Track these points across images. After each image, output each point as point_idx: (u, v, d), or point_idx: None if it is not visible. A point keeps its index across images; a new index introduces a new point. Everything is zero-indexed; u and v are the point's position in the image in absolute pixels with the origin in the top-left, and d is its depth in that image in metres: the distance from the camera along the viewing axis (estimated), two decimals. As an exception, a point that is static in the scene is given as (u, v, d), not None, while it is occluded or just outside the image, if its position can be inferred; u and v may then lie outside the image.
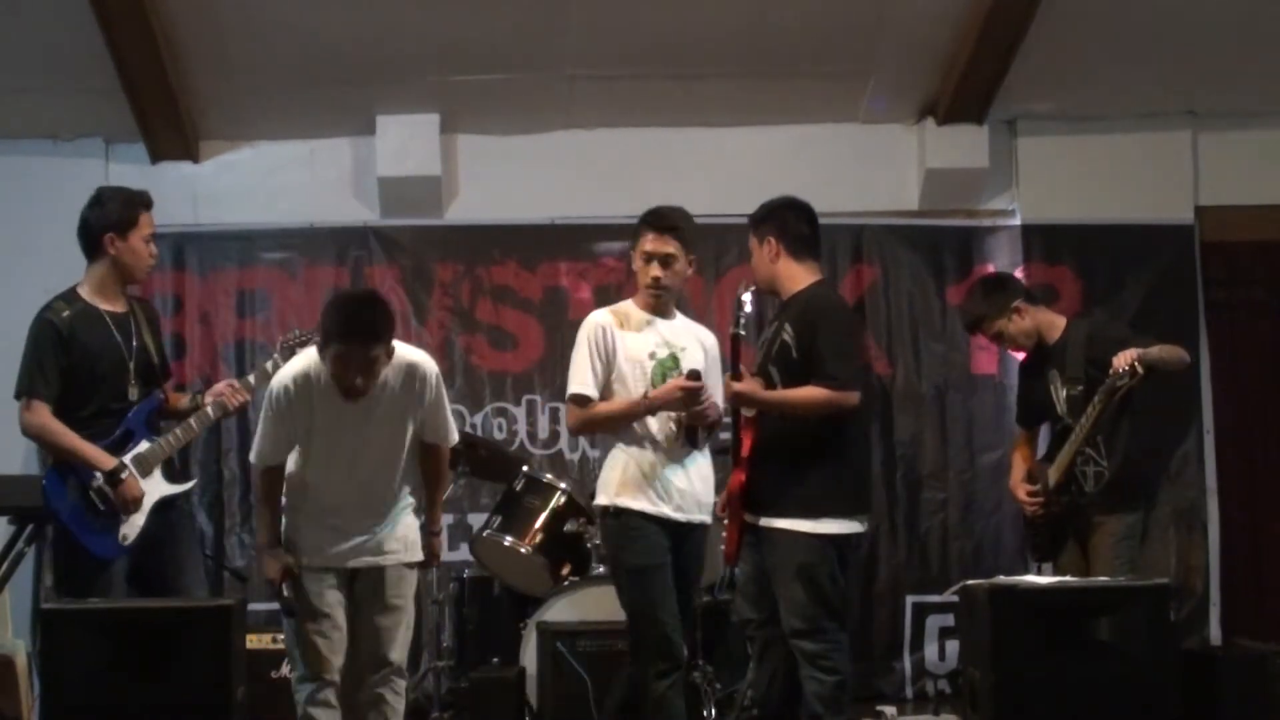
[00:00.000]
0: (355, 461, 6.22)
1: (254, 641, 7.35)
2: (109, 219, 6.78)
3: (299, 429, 6.21)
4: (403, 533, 6.37)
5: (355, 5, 8.78)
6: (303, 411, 6.17)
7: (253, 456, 6.42)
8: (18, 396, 6.74)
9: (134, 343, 6.79)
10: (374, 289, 6.39)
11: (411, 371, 6.25)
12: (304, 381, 6.16)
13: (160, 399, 6.87)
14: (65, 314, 6.69)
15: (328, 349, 6.03)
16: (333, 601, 6.24)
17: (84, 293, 6.79)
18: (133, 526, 6.65)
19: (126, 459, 6.66)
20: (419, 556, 6.43)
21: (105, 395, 6.71)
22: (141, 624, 6.03)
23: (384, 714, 6.28)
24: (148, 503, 6.67)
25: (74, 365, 6.66)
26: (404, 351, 6.29)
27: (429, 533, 6.55)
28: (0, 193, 9.51)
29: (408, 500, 6.43)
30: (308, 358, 6.21)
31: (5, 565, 7.02)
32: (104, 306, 6.77)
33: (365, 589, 6.29)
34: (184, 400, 7.04)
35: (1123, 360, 6.96)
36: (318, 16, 8.78)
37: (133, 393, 6.76)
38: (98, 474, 6.59)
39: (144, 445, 6.72)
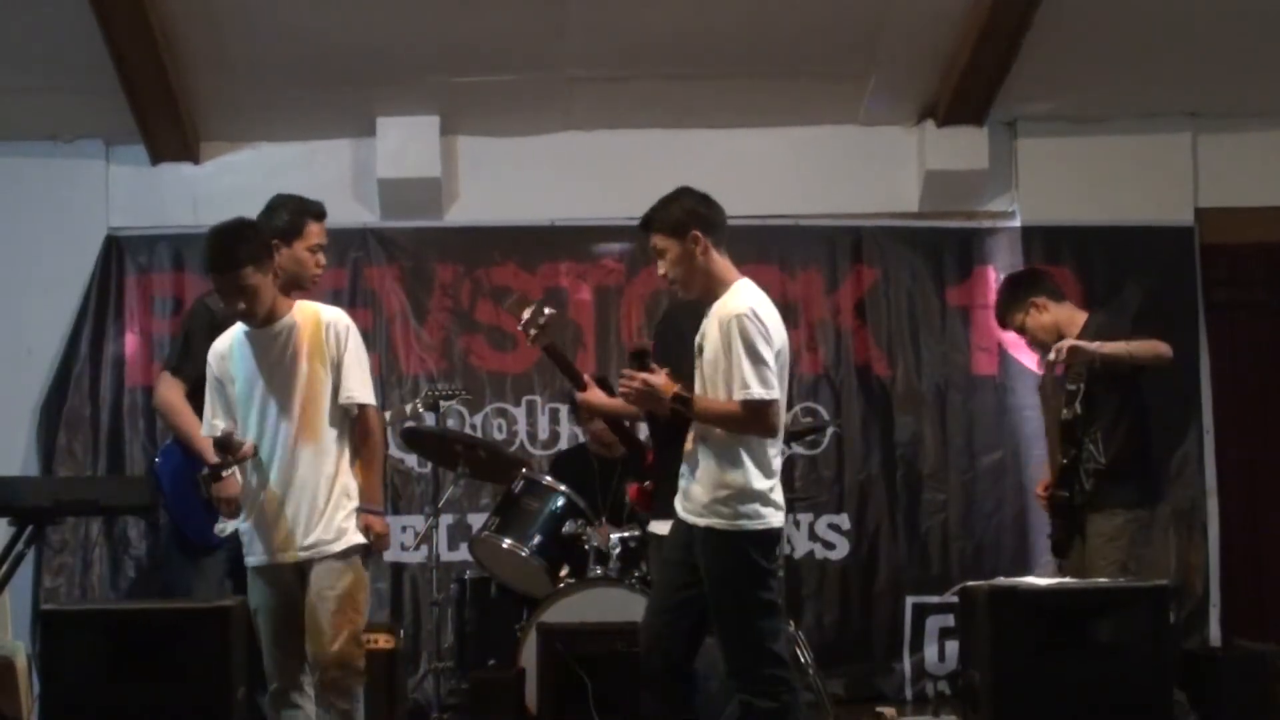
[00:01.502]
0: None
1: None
2: (274, 225, 6.79)
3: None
4: None
5: (356, 7, 8.78)
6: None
7: None
8: (164, 368, 6.94)
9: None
10: (245, 218, 6.29)
11: (316, 321, 6.23)
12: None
13: None
14: (222, 305, 6.70)
15: None
16: None
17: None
18: (231, 522, 6.63)
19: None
20: None
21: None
22: (142, 625, 6.03)
23: None
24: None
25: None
26: (316, 306, 6.32)
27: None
28: (0, 193, 9.51)
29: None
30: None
31: (5, 567, 7.03)
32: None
33: None
34: None
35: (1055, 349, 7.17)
36: (318, 18, 8.78)
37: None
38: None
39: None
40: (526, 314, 6.88)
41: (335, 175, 9.68)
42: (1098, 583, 7.00)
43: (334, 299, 6.84)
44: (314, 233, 6.85)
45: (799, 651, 8.20)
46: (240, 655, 6.09)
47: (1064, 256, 9.81)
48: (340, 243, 9.56)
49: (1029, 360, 9.70)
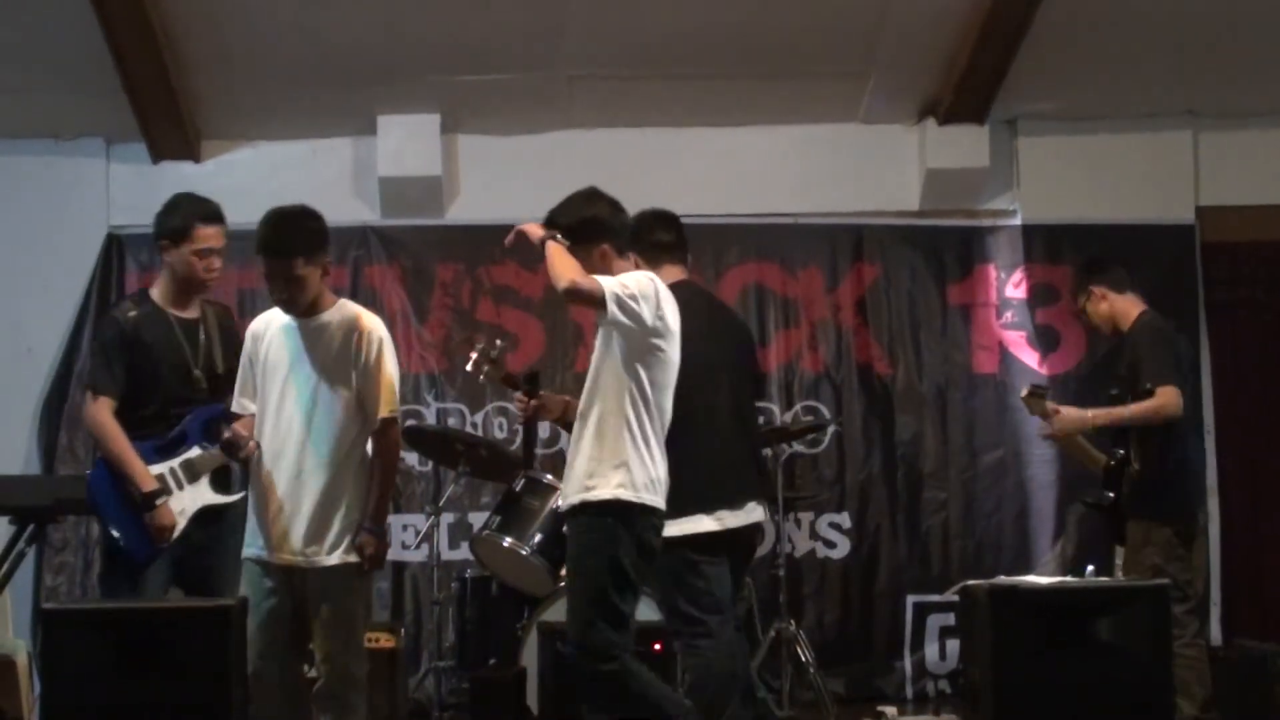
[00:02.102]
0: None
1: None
2: (164, 226, 6.79)
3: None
4: None
5: (357, 6, 8.78)
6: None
7: None
8: (87, 388, 6.82)
9: (200, 350, 6.77)
10: (307, 206, 6.31)
11: (354, 325, 6.25)
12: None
13: (223, 408, 6.83)
14: (131, 314, 6.69)
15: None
16: None
17: (154, 295, 6.79)
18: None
19: (175, 464, 6.64)
20: None
21: (166, 398, 6.69)
22: (142, 624, 6.02)
23: None
24: (191, 508, 6.62)
25: (137, 365, 6.66)
26: (357, 309, 6.36)
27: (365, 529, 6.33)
28: (1, 192, 9.51)
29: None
30: None
31: (6, 565, 7.04)
32: (173, 311, 6.76)
33: None
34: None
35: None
36: (319, 17, 8.79)
37: (197, 398, 6.74)
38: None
39: (195, 451, 6.69)
40: (475, 353, 6.93)
41: (336, 174, 9.70)
42: (1098, 582, 7.01)
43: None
44: (203, 236, 6.70)
45: (800, 650, 8.21)
46: (240, 655, 6.11)
47: (1065, 255, 9.82)
48: (341, 241, 9.56)
49: (1030, 359, 9.72)
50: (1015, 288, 9.93)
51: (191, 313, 6.78)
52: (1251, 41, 9.14)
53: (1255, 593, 9.76)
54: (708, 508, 6.33)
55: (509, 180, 9.65)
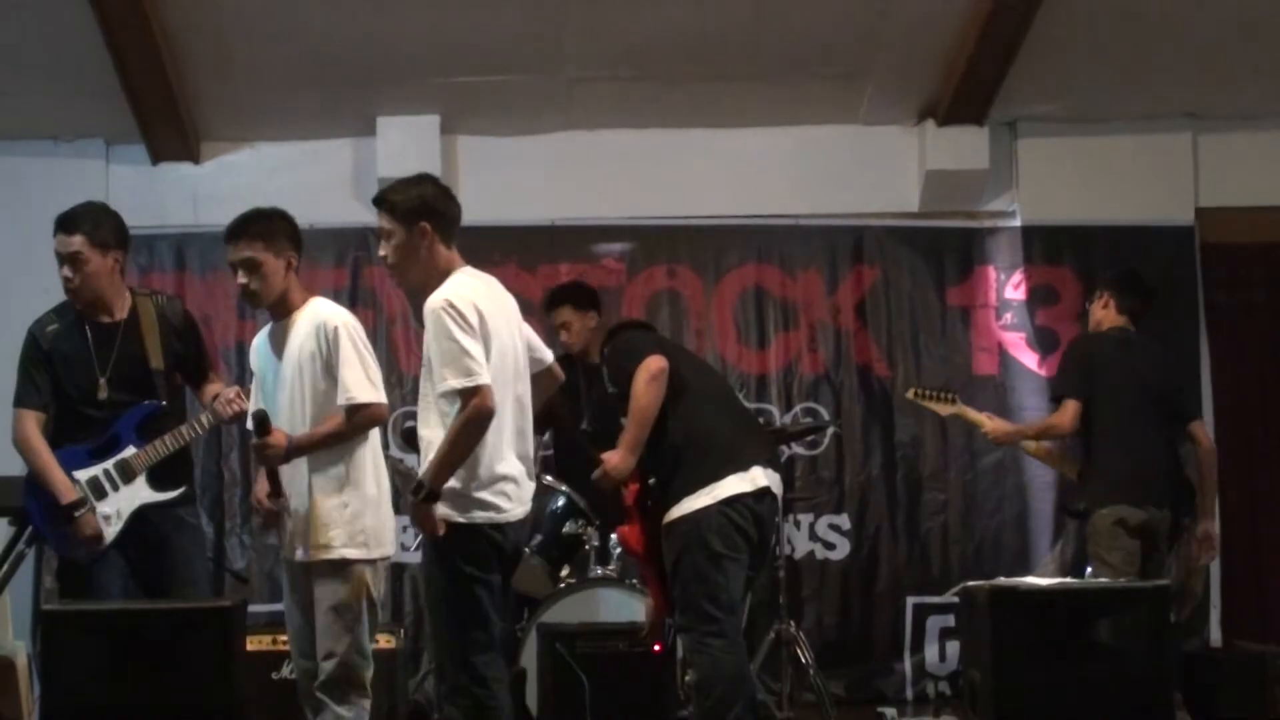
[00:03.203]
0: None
1: (255, 643, 7.35)
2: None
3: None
4: None
5: (355, 7, 8.78)
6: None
7: None
8: (14, 405, 6.80)
9: (121, 352, 6.78)
10: (281, 209, 6.45)
11: (318, 321, 6.24)
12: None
13: (156, 406, 6.84)
14: (50, 327, 6.75)
15: None
16: None
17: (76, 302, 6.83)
18: (107, 533, 6.64)
19: (110, 465, 6.66)
20: None
21: (80, 404, 6.73)
22: (142, 626, 6.03)
23: None
24: (127, 509, 6.65)
25: (57, 376, 6.71)
26: (324, 305, 6.38)
27: None
28: (1, 193, 9.51)
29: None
30: None
31: (6, 566, 7.05)
32: (95, 315, 6.78)
33: None
34: (209, 393, 7.01)
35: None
36: (318, 18, 8.78)
37: (106, 401, 6.75)
38: None
39: (129, 451, 6.71)
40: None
41: (336, 174, 9.69)
42: (1098, 583, 7.03)
43: (334, 299, 6.82)
44: (56, 243, 6.77)
45: (800, 652, 8.20)
46: (241, 657, 6.12)
47: (1065, 257, 9.83)
48: (341, 242, 9.61)
49: (1030, 360, 9.72)
50: (1015, 289, 9.92)
51: (114, 315, 6.81)
52: (1251, 44, 9.14)
53: (1255, 593, 9.75)
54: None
55: (509, 181, 9.65)
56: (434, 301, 5.80)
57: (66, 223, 6.72)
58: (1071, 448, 8.20)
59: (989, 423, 8.23)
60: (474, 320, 5.75)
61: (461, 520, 5.77)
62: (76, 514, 6.50)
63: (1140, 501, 7.70)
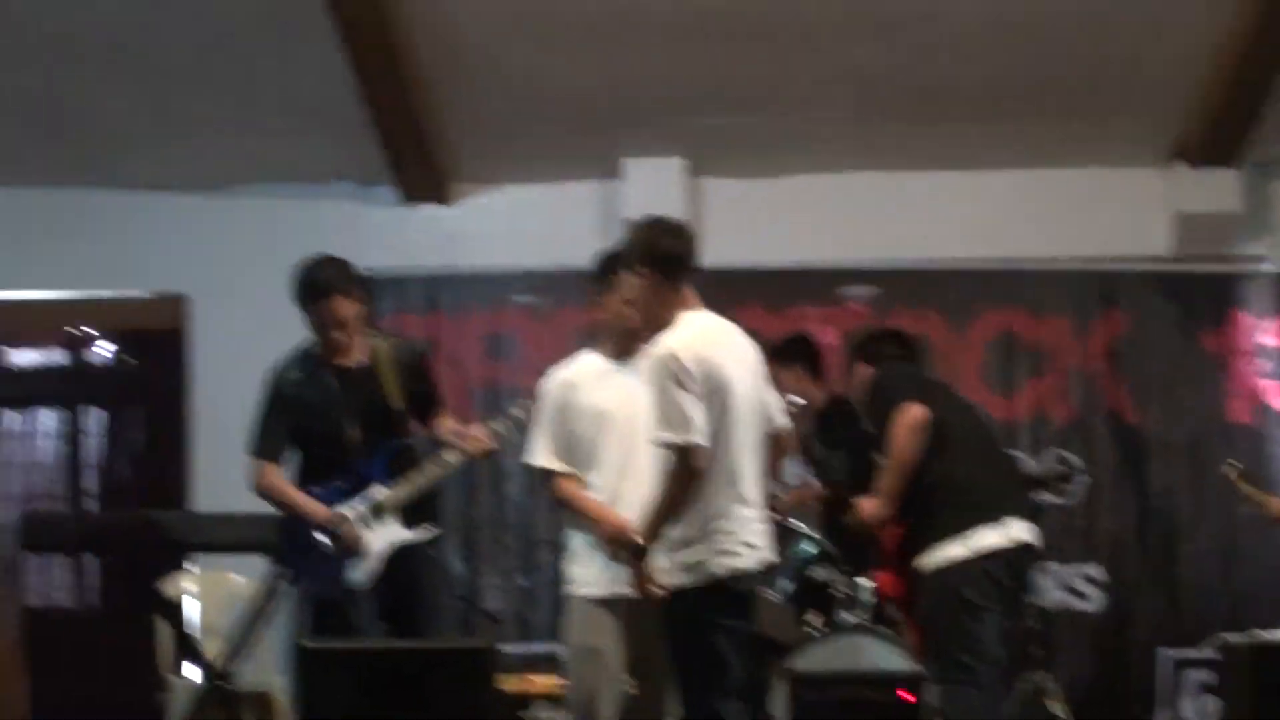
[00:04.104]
0: None
1: (505, 683, 7.38)
2: (295, 287, 7.00)
3: None
4: None
5: (601, 52, 8.83)
6: None
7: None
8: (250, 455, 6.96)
9: (363, 395, 6.88)
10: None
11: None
12: None
13: (400, 447, 6.93)
14: (291, 374, 6.87)
15: None
16: None
17: (315, 349, 6.94)
18: (363, 572, 6.73)
19: (359, 506, 6.76)
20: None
21: (328, 448, 6.83)
22: (395, 664, 6.08)
23: None
24: (381, 548, 6.74)
25: (300, 423, 6.82)
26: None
27: None
28: (256, 236, 9.71)
29: None
30: None
31: (265, 602, 7.16)
32: (337, 360, 6.89)
33: None
34: (448, 428, 7.09)
35: None
36: (565, 64, 8.85)
37: (355, 444, 6.85)
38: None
39: (379, 492, 6.80)
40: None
41: (582, 216, 9.74)
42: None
43: (581, 340, 6.90)
44: (329, 306, 6.94)
45: (1054, 704, 8.04)
46: (494, 696, 6.14)
47: (1323, 306, 9.59)
48: (587, 284, 9.63)
49: (1287, 407, 9.52)
50: (1270, 336, 9.69)
51: (353, 359, 6.89)
52: None
53: None
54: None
55: (754, 223, 9.64)
56: (658, 349, 5.78)
57: (317, 290, 6.87)
58: None
59: None
60: (697, 372, 5.69)
61: (695, 582, 5.72)
62: (338, 529, 6.60)
63: None
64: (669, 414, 5.63)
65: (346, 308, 6.81)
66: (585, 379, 6.43)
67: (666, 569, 5.69)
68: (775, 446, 6.14)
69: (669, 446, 5.64)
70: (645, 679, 6.22)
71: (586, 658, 6.23)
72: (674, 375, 5.64)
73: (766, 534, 5.93)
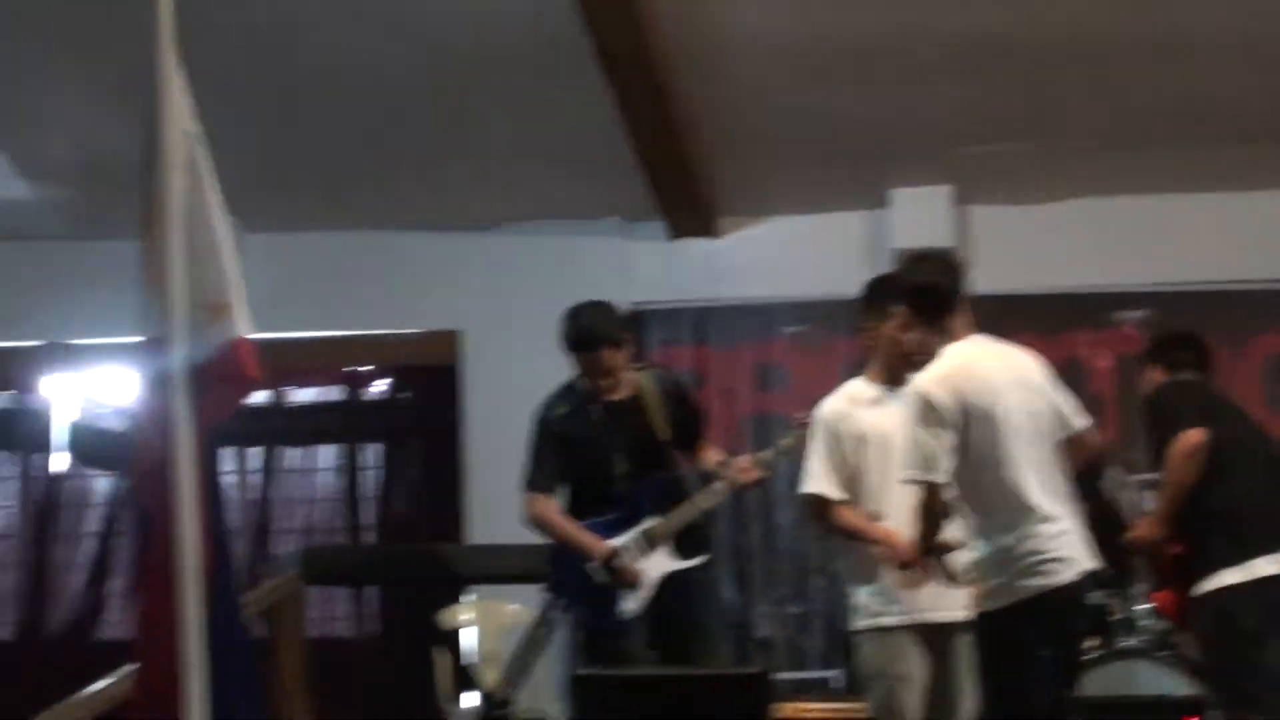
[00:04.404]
0: None
1: (779, 710, 7.38)
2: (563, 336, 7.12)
3: None
4: None
5: (867, 83, 8.77)
6: None
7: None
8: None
9: (630, 428, 6.97)
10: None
11: None
12: None
13: (668, 478, 7.01)
14: (559, 410, 7.00)
15: None
16: None
17: (581, 384, 7.06)
18: (634, 601, 6.81)
19: (627, 538, 6.84)
20: None
21: (597, 481, 6.94)
22: (670, 691, 6.15)
23: None
24: (653, 577, 6.82)
25: (570, 458, 6.94)
26: None
27: None
28: (527, 272, 9.89)
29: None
30: None
31: (540, 631, 7.30)
32: (603, 396, 6.99)
33: None
34: (713, 459, 7.16)
35: None
36: (830, 96, 8.81)
37: (624, 477, 6.95)
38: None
39: (650, 522, 6.88)
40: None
41: (849, 247, 9.73)
42: None
43: (852, 371, 6.90)
44: (593, 359, 7.08)
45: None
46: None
47: None
48: (856, 313, 9.63)
49: None
50: None
51: (622, 393, 6.97)
52: None
53: None
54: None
55: (1025, 249, 9.57)
56: (914, 384, 5.82)
57: (586, 342, 7.00)
58: None
59: None
60: (952, 405, 5.67)
61: (1002, 605, 5.66)
62: (614, 562, 6.69)
63: None
64: (914, 450, 5.67)
65: (613, 358, 6.91)
66: (856, 406, 6.43)
67: (974, 595, 5.69)
68: (1076, 449, 6.01)
69: (913, 483, 5.67)
70: (942, 704, 6.18)
71: (890, 686, 6.19)
72: (921, 414, 5.67)
73: (1078, 542, 5.79)
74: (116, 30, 4.78)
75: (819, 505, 6.35)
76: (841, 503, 6.31)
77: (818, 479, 6.35)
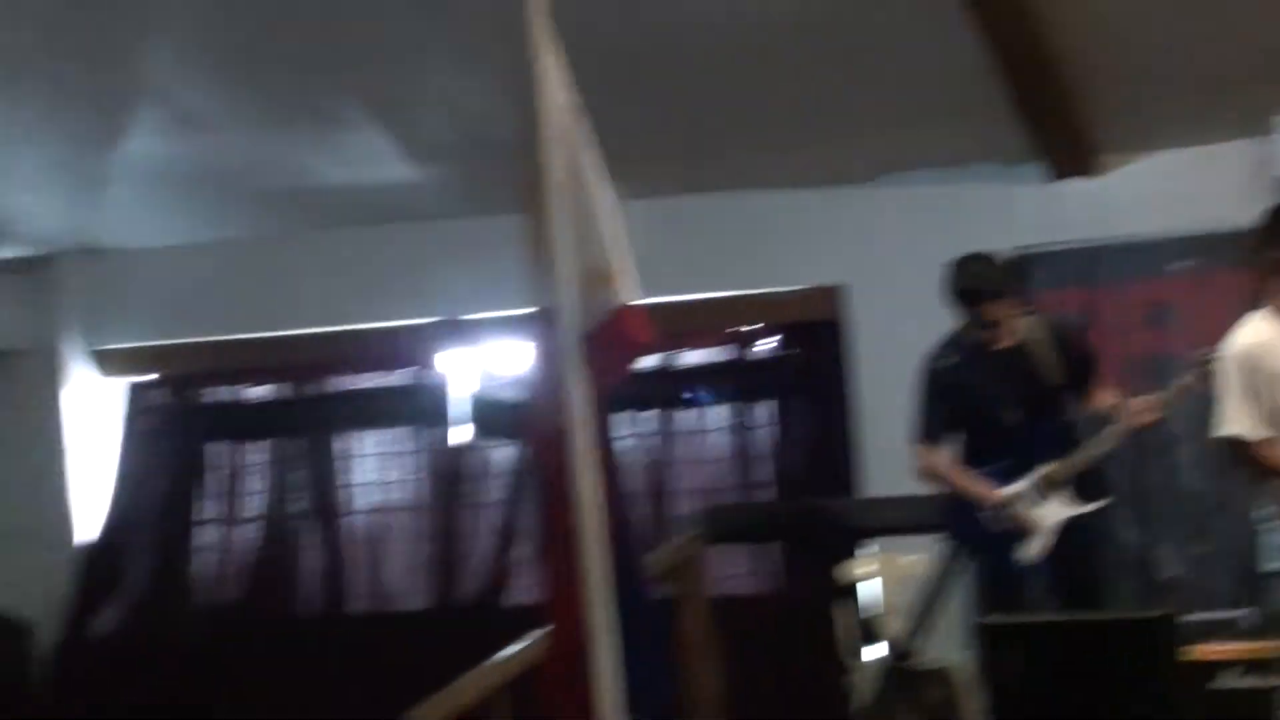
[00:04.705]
0: None
1: (1188, 653, 7.25)
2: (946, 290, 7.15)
3: None
4: None
5: (1241, 8, 8.58)
6: None
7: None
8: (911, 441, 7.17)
9: (1020, 375, 6.93)
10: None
11: None
12: None
13: (1062, 423, 6.96)
14: (946, 361, 7.01)
15: None
16: None
17: (967, 334, 7.04)
18: (1035, 547, 6.79)
19: (1020, 485, 6.82)
20: None
21: (988, 429, 6.92)
22: (1074, 637, 6.13)
23: None
24: (1050, 523, 6.79)
25: (959, 408, 6.94)
26: None
27: None
28: (906, 224, 9.88)
29: None
30: None
31: (942, 581, 7.34)
32: (993, 343, 6.98)
33: None
34: (1108, 402, 7.09)
35: None
36: (1206, 23, 8.65)
37: (1015, 424, 6.92)
38: None
39: (1046, 467, 6.85)
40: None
41: (1232, 177, 9.45)
42: None
43: (1239, 306, 6.74)
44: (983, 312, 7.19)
45: None
46: (1175, 666, 6.08)
47: None
48: (1247, 245, 9.38)
49: None
50: None
51: (1009, 340, 6.90)
52: None
53: None
54: None
55: None
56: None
57: (972, 296, 7.07)
58: None
59: None
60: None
61: None
62: (1008, 510, 6.69)
63: None
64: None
65: (997, 310, 6.90)
66: (1271, 343, 6.30)
67: None
68: None
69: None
70: None
71: None
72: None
73: None
74: (491, 5, 4.92)
75: (1239, 448, 6.23)
76: (1263, 441, 6.19)
77: (1234, 420, 6.24)
